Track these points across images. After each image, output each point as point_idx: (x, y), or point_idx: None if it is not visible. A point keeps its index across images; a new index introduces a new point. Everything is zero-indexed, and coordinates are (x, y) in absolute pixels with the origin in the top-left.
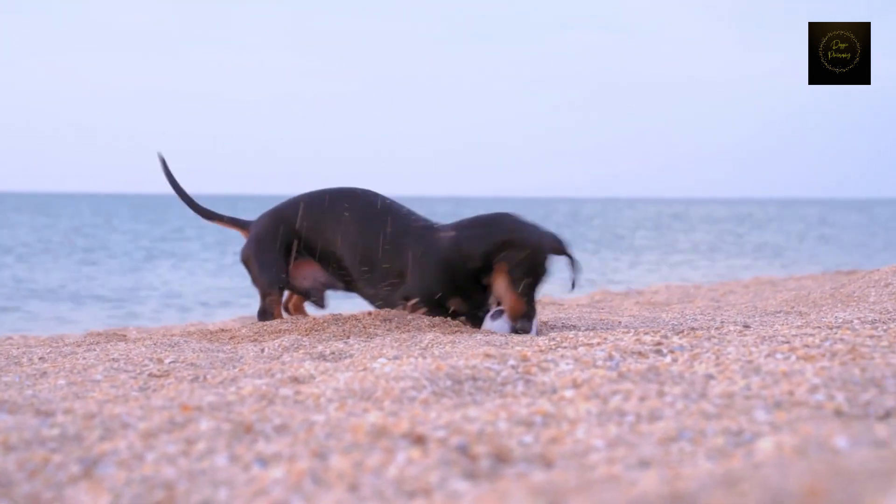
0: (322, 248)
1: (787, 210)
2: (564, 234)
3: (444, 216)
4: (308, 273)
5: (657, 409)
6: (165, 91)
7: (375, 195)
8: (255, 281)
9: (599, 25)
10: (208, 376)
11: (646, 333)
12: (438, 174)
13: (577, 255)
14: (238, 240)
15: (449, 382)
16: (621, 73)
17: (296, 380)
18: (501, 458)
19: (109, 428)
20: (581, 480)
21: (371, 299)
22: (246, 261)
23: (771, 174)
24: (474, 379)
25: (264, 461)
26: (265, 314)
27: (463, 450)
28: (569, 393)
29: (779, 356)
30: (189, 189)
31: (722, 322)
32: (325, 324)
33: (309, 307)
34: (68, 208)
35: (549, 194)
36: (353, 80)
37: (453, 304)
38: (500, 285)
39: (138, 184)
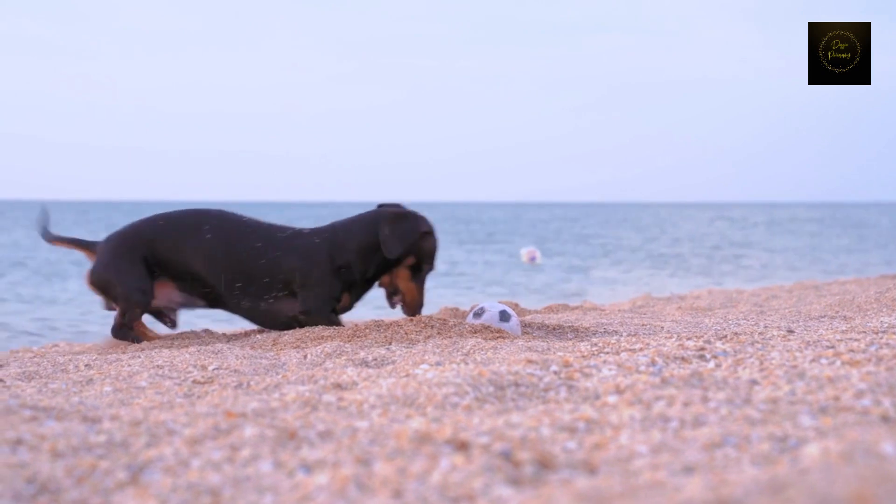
0: (182, 267)
1: (821, 212)
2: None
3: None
4: (162, 293)
5: (701, 415)
6: (192, 95)
7: (232, 213)
8: (116, 298)
9: (630, 27)
10: (252, 383)
11: (689, 339)
12: (463, 178)
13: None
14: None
15: (491, 388)
16: (656, 73)
17: (339, 386)
18: (545, 464)
19: (155, 434)
20: (626, 486)
21: (248, 313)
22: (102, 281)
23: (803, 176)
24: (517, 385)
25: (308, 467)
26: (122, 330)
27: (506, 456)
28: (612, 399)
29: (824, 361)
30: (226, 196)
31: (765, 327)
32: (367, 330)
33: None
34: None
35: (584, 198)
36: (386, 85)
37: (343, 301)
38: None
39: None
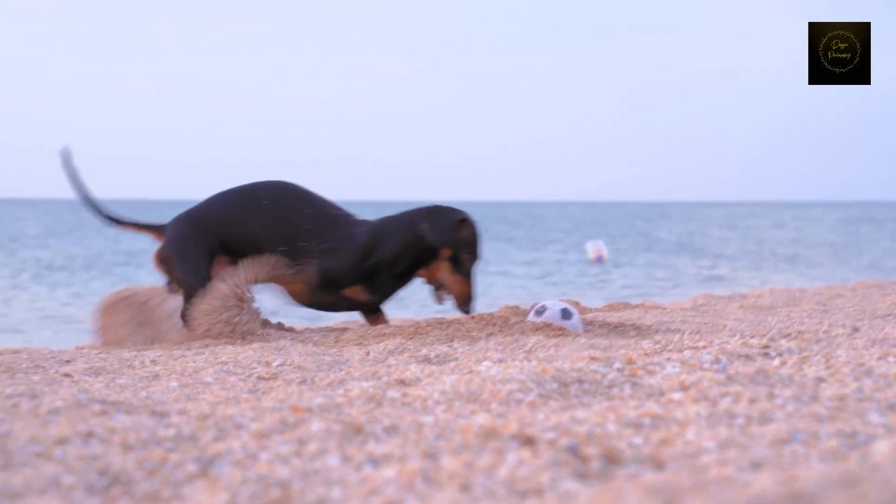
0: (243, 243)
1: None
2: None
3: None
4: (222, 269)
5: (768, 412)
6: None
7: (293, 185)
8: (178, 282)
9: (675, 25)
10: (316, 379)
11: (752, 337)
12: (519, 176)
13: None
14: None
15: (555, 385)
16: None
17: (402, 382)
18: (612, 459)
19: (223, 428)
20: (695, 481)
21: (285, 281)
22: (166, 261)
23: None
24: (580, 381)
25: (376, 461)
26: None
27: (573, 451)
28: (677, 395)
29: (891, 359)
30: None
31: (830, 325)
32: (429, 328)
33: None
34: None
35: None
36: (437, 85)
37: (351, 293)
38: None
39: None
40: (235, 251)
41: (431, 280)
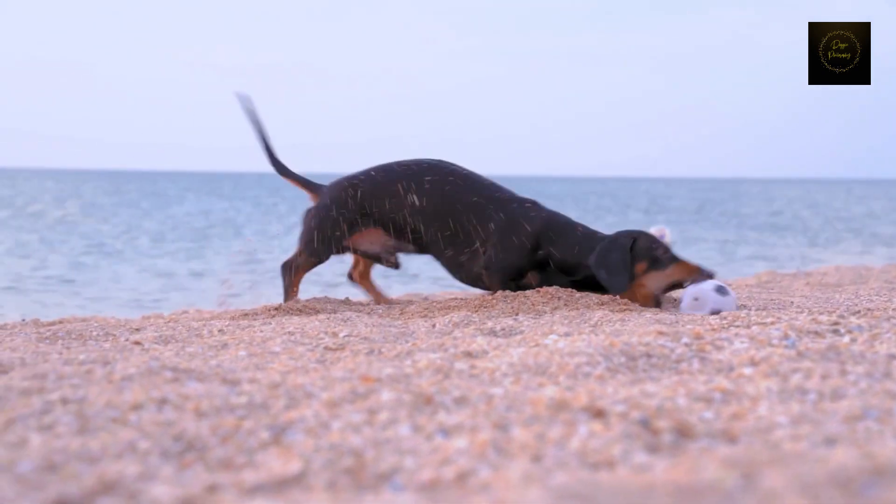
0: (395, 216)
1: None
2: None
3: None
4: (376, 238)
5: (840, 388)
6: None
7: (452, 165)
8: (301, 236)
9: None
10: (383, 350)
11: (821, 313)
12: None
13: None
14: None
15: (623, 359)
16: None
17: (469, 354)
18: (683, 432)
19: (294, 397)
20: (772, 454)
21: (448, 262)
22: (307, 217)
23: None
24: (648, 356)
25: (446, 431)
26: (288, 269)
27: (644, 424)
28: (747, 370)
29: None
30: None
31: None
32: (494, 301)
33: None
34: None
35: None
36: (491, 61)
37: (531, 279)
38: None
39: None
40: (392, 227)
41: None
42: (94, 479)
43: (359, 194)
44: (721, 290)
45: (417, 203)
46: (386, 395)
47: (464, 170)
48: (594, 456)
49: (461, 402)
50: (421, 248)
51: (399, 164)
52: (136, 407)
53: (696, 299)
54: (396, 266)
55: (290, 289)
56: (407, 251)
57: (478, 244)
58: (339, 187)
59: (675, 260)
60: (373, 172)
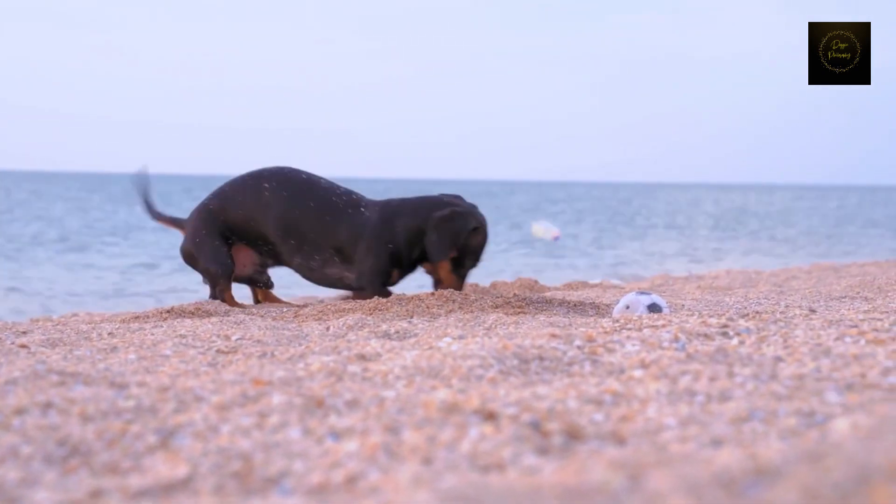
0: (249, 229)
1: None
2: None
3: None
4: (244, 259)
5: (727, 390)
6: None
7: (293, 171)
8: (203, 273)
9: (653, 6)
10: (276, 353)
11: (711, 316)
12: (483, 156)
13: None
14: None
15: (516, 361)
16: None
17: (363, 357)
18: (573, 435)
19: (183, 401)
20: (659, 456)
21: (300, 270)
22: (189, 255)
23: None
24: (541, 358)
25: (337, 434)
26: (220, 298)
27: (535, 426)
28: (637, 373)
29: (848, 339)
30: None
31: (787, 306)
32: (389, 304)
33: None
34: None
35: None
36: (410, 62)
37: (394, 277)
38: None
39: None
40: (249, 240)
41: (430, 272)
42: None
43: (214, 210)
44: (653, 307)
45: (260, 211)
46: (277, 399)
47: (303, 173)
48: (484, 458)
49: (353, 405)
50: (277, 258)
51: (248, 174)
52: (20, 411)
53: (627, 307)
54: (269, 285)
55: (232, 306)
56: (269, 265)
57: (329, 251)
58: (197, 211)
59: (465, 276)
60: (226, 188)
